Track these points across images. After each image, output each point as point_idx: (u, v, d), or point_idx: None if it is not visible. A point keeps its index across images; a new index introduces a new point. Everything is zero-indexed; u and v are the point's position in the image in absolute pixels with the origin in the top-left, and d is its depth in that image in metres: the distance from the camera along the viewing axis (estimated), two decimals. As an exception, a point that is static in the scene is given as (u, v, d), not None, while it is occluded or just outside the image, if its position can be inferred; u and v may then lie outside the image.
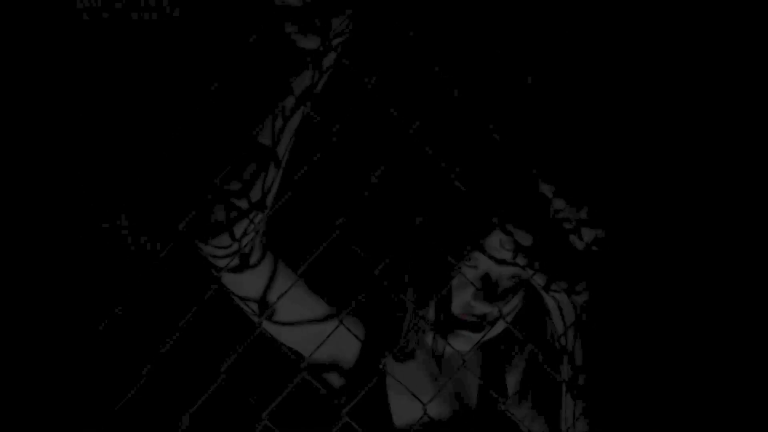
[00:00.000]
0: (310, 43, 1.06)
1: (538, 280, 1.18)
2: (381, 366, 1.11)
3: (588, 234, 1.15)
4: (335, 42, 1.07)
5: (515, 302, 1.32)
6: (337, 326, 1.12)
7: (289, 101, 1.10)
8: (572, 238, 1.17)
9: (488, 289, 1.29)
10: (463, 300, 1.31)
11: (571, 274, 1.17)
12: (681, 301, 1.38)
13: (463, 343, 1.32)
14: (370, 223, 1.37)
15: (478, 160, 1.20)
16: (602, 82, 1.16)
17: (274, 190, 1.15)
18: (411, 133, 1.08)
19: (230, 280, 1.21)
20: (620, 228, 1.23)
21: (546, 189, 1.14)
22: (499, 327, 1.34)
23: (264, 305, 1.26)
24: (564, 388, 1.24)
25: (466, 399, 1.44)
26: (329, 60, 1.11)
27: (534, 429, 1.36)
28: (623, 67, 1.20)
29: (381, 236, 1.35)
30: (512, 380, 1.44)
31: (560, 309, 1.21)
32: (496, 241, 1.19)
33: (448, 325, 1.30)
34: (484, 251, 1.29)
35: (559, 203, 1.14)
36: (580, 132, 1.13)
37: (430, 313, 1.33)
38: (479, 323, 1.30)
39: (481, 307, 1.28)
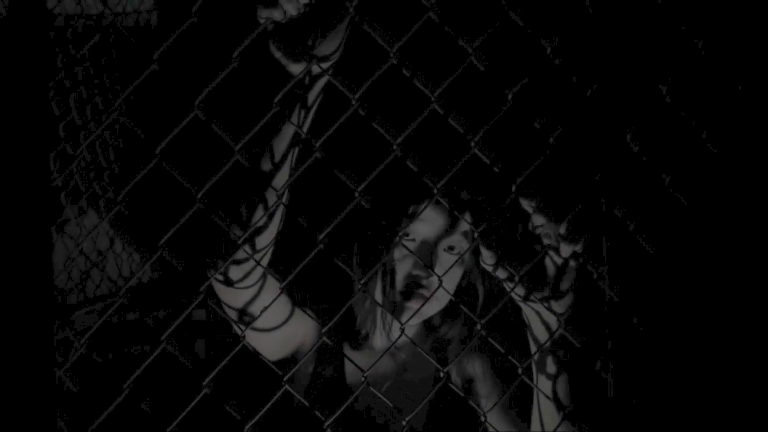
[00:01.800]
0: (297, 67, 1.07)
1: (517, 291, 1.20)
2: (363, 378, 1.11)
3: (566, 249, 1.16)
4: (325, 65, 1.08)
5: (458, 275, 1.39)
6: (323, 337, 1.12)
7: (280, 146, 1.12)
8: (551, 252, 1.18)
9: (426, 257, 1.35)
10: (405, 271, 1.36)
11: (550, 286, 1.19)
12: (660, 311, 1.40)
13: (409, 316, 1.36)
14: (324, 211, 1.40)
15: (461, 174, 1.21)
16: (582, 99, 1.17)
17: (270, 232, 1.17)
18: (395, 148, 1.09)
19: (222, 290, 1.22)
20: (599, 242, 1.24)
21: (526, 204, 1.16)
22: (444, 300, 1.38)
23: (246, 316, 1.27)
24: (536, 393, 1.25)
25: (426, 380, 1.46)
26: (316, 90, 1.12)
27: (501, 427, 1.38)
28: (604, 82, 1.21)
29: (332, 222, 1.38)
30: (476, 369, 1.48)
31: (540, 319, 1.23)
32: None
33: (394, 297, 1.35)
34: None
35: (538, 219, 1.16)
36: (560, 149, 1.15)
37: (377, 289, 1.36)
38: (422, 294, 1.35)
39: (421, 273, 1.34)
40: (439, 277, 1.26)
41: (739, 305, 1.42)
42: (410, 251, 1.26)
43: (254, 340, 1.35)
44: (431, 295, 1.35)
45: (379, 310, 1.41)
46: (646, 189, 1.28)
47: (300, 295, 1.40)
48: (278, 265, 1.24)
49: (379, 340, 1.46)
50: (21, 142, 0.88)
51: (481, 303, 1.45)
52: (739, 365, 1.41)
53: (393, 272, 1.37)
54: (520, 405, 1.38)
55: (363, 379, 1.10)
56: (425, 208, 1.35)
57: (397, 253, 1.37)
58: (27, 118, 0.88)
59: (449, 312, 1.48)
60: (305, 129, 1.13)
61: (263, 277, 1.24)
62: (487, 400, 1.46)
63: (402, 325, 1.18)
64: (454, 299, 1.35)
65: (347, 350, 1.45)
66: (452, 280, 1.39)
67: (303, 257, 1.15)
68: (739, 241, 1.39)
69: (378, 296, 1.39)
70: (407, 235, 1.37)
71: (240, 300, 1.24)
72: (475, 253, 1.42)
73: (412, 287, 1.36)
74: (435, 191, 1.14)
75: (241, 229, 1.14)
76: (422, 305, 1.34)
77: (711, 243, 1.27)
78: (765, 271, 1.41)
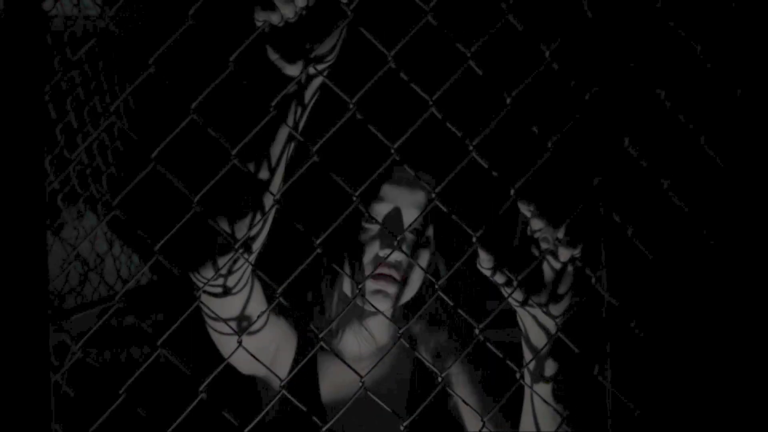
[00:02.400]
0: (294, 69, 1.07)
1: (515, 297, 1.19)
2: (361, 381, 1.10)
3: (565, 253, 1.16)
4: (321, 67, 1.08)
5: (426, 259, 1.38)
6: (321, 348, 1.11)
7: (275, 149, 1.12)
8: (549, 257, 1.18)
9: (392, 238, 1.33)
10: (372, 254, 1.35)
11: (548, 291, 1.18)
12: (659, 316, 1.40)
13: (380, 301, 1.34)
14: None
15: (459, 179, 1.21)
16: (580, 103, 1.17)
17: (262, 236, 1.17)
18: (393, 152, 1.09)
19: (211, 302, 1.21)
20: (597, 247, 1.24)
21: (525, 208, 1.15)
22: (415, 284, 1.36)
23: (244, 321, 1.26)
24: (528, 397, 1.25)
25: (401, 375, 1.45)
26: (312, 89, 1.12)
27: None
28: (603, 86, 1.21)
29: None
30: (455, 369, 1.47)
31: (536, 322, 1.22)
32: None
33: (363, 283, 1.33)
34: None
35: (537, 223, 1.15)
36: (559, 153, 1.14)
37: (345, 282, 1.36)
38: (392, 276, 1.33)
39: (391, 255, 1.32)
40: (407, 254, 1.26)
41: (739, 310, 1.41)
42: (378, 224, 1.24)
43: (229, 348, 1.31)
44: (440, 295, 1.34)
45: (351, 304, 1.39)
46: (644, 193, 1.28)
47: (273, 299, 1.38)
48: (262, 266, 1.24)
49: (350, 344, 1.44)
50: (16, 146, 0.88)
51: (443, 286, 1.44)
52: (740, 370, 1.40)
53: (360, 256, 1.35)
54: (497, 401, 1.38)
55: (360, 383, 1.09)
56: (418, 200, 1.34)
57: (363, 236, 1.36)
58: (22, 121, 0.88)
59: (417, 304, 1.46)
60: (301, 126, 1.13)
61: (251, 279, 1.23)
62: (457, 378, 1.44)
63: (400, 331, 1.17)
64: (445, 297, 1.33)
65: (322, 360, 1.43)
66: (421, 264, 1.38)
67: (284, 258, 1.14)
68: (739, 246, 1.39)
69: (347, 288, 1.38)
70: (371, 217, 1.37)
71: (234, 308, 1.23)
72: (438, 238, 1.42)
73: (381, 268, 1.34)
74: (433, 195, 1.14)
75: (236, 238, 1.14)
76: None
77: (710, 248, 1.26)
78: (765, 275, 1.41)
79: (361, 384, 1.08)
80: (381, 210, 1.37)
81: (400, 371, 1.46)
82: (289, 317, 1.43)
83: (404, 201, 1.37)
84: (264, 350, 1.36)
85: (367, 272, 1.35)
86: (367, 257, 1.36)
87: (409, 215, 1.38)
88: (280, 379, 1.06)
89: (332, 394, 1.41)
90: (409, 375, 1.46)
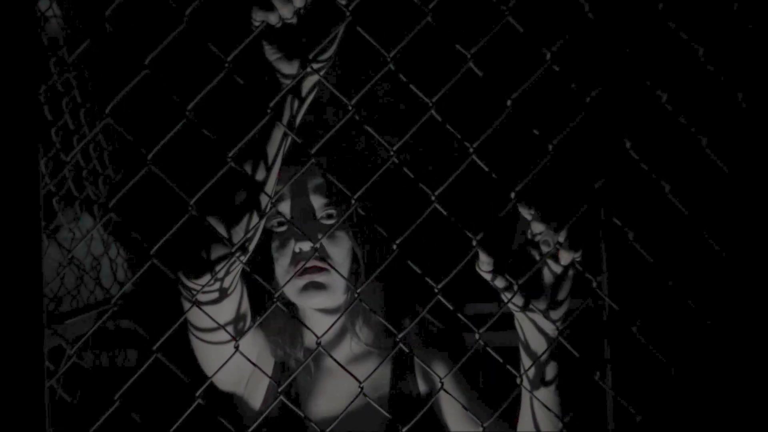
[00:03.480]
0: (291, 69, 1.07)
1: (516, 301, 1.18)
2: (360, 386, 1.09)
3: (565, 257, 1.15)
4: (317, 66, 1.07)
5: (347, 241, 1.35)
6: (317, 345, 1.10)
7: (272, 149, 1.11)
8: (550, 260, 1.17)
9: (306, 231, 1.31)
10: (290, 252, 1.33)
11: (548, 295, 1.17)
12: (661, 320, 1.39)
13: (315, 294, 1.32)
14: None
15: (459, 182, 1.20)
16: (581, 105, 1.16)
17: (256, 236, 1.16)
18: (391, 155, 1.08)
19: (213, 309, 1.20)
20: (598, 250, 1.23)
21: (525, 212, 1.14)
22: (344, 268, 1.34)
23: (242, 322, 1.25)
24: (525, 402, 1.24)
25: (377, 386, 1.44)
26: (308, 86, 1.11)
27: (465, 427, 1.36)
28: (604, 89, 1.21)
29: None
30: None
31: (535, 327, 1.21)
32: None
33: (292, 282, 1.31)
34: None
35: (537, 227, 1.14)
36: (559, 156, 1.14)
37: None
38: (317, 266, 1.32)
39: (303, 246, 1.30)
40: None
41: (741, 313, 1.41)
42: (294, 224, 1.22)
43: (214, 358, 1.29)
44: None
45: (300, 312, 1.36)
46: (645, 197, 1.27)
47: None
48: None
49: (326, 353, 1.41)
50: (10, 147, 0.87)
51: (363, 269, 1.40)
52: (742, 375, 1.40)
53: (276, 259, 1.34)
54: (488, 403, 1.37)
55: (360, 388, 1.08)
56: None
57: (277, 240, 1.35)
58: (17, 122, 0.87)
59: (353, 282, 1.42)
60: (297, 121, 1.13)
61: (241, 284, 1.23)
62: (449, 398, 1.42)
63: (398, 336, 1.15)
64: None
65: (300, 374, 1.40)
66: (342, 248, 1.36)
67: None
68: (741, 249, 1.38)
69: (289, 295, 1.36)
70: (278, 218, 1.35)
71: (225, 314, 1.22)
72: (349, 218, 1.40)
73: (305, 263, 1.32)
74: (433, 198, 1.13)
75: (233, 242, 1.13)
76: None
77: (711, 251, 1.26)
78: (766, 278, 1.40)
79: (360, 388, 1.07)
80: (285, 209, 1.36)
81: (378, 374, 1.44)
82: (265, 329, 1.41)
83: (303, 191, 1.36)
84: (244, 363, 1.34)
85: (294, 272, 1.32)
86: (286, 260, 1.34)
87: (315, 200, 1.37)
88: (277, 384, 1.05)
89: (315, 407, 1.39)
90: (388, 378, 1.44)
